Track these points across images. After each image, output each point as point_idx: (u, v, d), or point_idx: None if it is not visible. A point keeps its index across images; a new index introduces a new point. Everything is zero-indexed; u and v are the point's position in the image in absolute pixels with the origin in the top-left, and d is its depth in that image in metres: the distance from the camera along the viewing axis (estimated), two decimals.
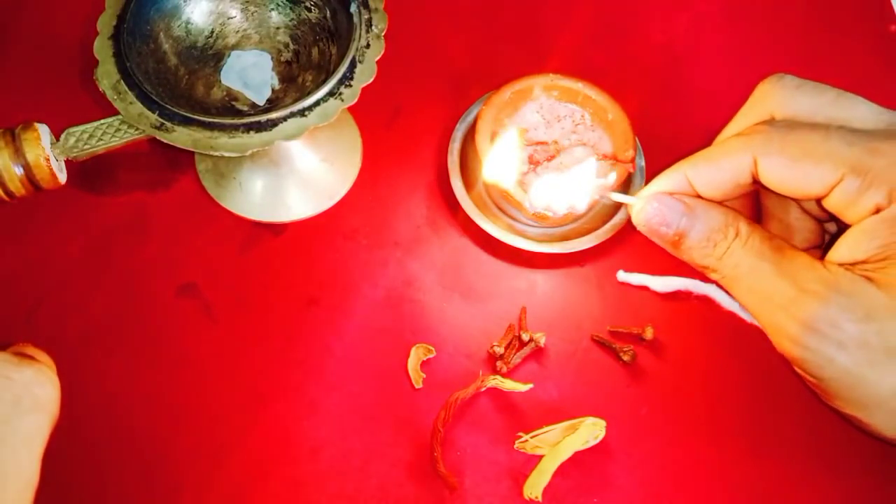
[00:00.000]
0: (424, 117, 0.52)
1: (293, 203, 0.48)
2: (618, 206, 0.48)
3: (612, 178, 0.45)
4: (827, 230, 0.38)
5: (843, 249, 0.32)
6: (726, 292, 0.46)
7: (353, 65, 0.41)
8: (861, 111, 0.33)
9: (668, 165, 0.37)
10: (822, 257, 0.33)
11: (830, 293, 0.31)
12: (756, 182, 0.34)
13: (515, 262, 0.48)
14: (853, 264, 0.32)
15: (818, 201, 0.33)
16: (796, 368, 0.33)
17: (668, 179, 0.35)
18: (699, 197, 0.35)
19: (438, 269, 0.48)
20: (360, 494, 0.42)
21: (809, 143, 0.32)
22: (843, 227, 0.33)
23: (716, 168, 0.34)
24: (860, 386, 0.31)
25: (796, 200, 0.37)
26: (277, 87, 0.45)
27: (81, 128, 0.41)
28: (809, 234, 0.38)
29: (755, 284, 0.33)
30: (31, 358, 0.33)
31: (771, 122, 0.34)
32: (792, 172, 0.32)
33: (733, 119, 0.37)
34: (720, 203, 0.35)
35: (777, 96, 0.35)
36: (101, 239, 0.48)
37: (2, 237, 0.47)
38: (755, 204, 0.39)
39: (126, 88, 0.40)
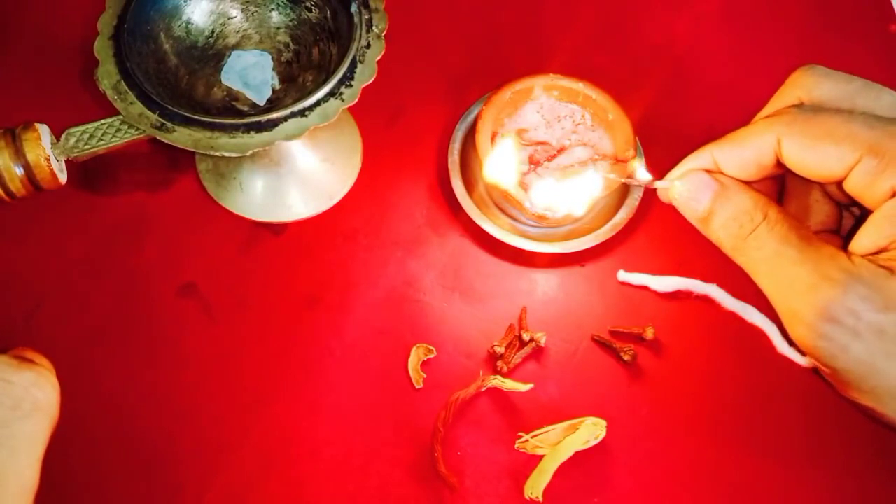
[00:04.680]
0: (424, 117, 0.52)
1: (293, 203, 0.48)
2: (618, 205, 0.48)
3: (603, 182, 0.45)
4: (853, 213, 0.39)
5: (864, 238, 0.33)
6: (735, 289, 0.46)
7: (353, 65, 0.41)
8: (886, 100, 0.34)
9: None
10: (843, 245, 0.33)
11: (851, 281, 0.31)
12: (779, 164, 0.34)
13: (516, 262, 0.48)
14: (876, 253, 0.32)
15: (839, 185, 0.34)
16: (810, 357, 0.33)
17: (696, 160, 0.36)
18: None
19: (438, 269, 0.48)
20: (360, 494, 0.42)
21: (831, 125, 0.33)
22: (866, 212, 0.33)
23: (740, 148, 0.35)
24: (874, 376, 0.31)
25: (819, 184, 0.37)
26: (278, 87, 0.45)
27: (82, 128, 0.41)
28: (826, 217, 0.39)
29: (776, 269, 0.33)
30: (31, 361, 0.33)
31: (798, 106, 0.35)
32: (812, 153, 0.33)
33: (765, 107, 0.37)
34: (751, 185, 0.35)
35: (806, 84, 0.35)
36: (101, 239, 0.48)
37: (2, 237, 0.47)
38: (780, 187, 0.39)
39: (126, 88, 0.40)
